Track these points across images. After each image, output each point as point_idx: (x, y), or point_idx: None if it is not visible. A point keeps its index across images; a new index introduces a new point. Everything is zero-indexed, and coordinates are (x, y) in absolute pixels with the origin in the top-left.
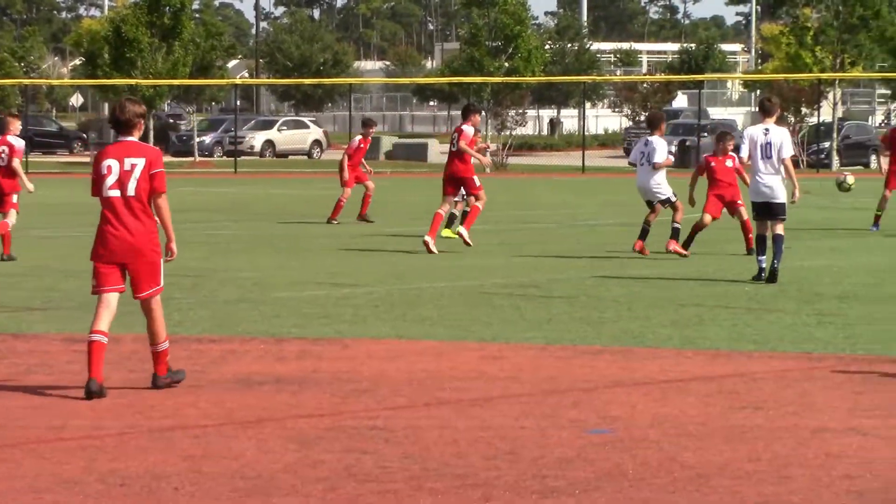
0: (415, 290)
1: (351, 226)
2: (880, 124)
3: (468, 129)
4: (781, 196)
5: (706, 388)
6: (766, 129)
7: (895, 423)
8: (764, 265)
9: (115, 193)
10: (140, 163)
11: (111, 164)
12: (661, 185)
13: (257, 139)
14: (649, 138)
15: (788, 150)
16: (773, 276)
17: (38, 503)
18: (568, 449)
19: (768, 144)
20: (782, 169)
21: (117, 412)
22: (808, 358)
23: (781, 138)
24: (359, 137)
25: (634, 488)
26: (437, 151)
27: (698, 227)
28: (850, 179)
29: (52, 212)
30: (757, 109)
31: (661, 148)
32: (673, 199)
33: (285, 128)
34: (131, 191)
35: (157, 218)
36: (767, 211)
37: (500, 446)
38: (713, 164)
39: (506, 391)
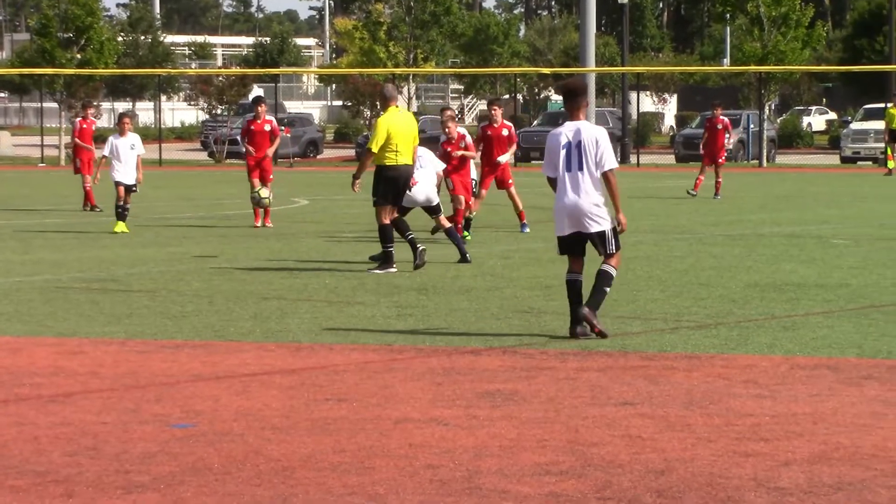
0: None
1: None
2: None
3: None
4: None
5: (289, 381)
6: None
7: (475, 412)
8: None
9: None
10: None
11: None
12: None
13: None
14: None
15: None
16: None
17: None
18: (151, 443)
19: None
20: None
21: None
22: (389, 350)
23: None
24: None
25: (220, 482)
26: (8, 144)
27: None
28: (264, 193)
29: None
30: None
31: None
32: None
33: None
34: None
35: None
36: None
37: (81, 442)
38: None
39: (86, 386)
